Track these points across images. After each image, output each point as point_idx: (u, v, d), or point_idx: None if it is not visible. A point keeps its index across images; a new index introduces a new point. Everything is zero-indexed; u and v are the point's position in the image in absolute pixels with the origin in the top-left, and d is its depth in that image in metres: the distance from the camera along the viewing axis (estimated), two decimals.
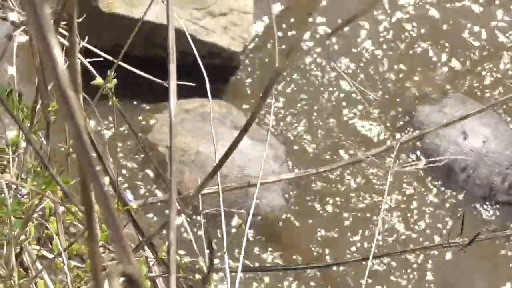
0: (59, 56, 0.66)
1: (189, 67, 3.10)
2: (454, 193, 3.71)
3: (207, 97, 2.13)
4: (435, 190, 3.67)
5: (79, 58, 1.71)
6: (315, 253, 3.51)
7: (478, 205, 3.73)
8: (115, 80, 1.61)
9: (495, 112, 3.85)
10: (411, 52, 4.06)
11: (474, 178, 3.70)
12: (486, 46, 4.14)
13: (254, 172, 3.33)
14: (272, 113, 1.73)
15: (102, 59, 1.77)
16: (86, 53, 1.97)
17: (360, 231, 3.58)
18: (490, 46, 4.14)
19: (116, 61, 1.60)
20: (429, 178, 3.64)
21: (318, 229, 3.55)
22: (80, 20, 1.60)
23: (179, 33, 3.72)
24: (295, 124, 3.73)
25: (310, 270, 3.47)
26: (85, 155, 0.72)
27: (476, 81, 4.03)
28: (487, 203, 3.72)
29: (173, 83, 0.98)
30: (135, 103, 3.61)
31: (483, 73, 4.07)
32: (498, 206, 3.73)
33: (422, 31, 4.11)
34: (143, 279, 0.86)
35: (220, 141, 3.42)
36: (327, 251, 3.51)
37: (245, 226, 1.89)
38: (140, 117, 3.56)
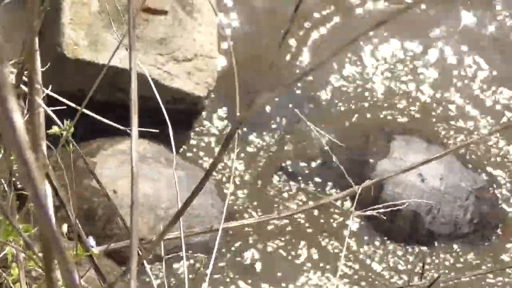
0: (18, 120, 0.66)
1: (151, 112, 3.11)
2: (420, 237, 3.76)
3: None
4: (400, 238, 3.73)
5: (42, 107, 1.72)
6: None
7: (444, 244, 3.77)
8: (72, 129, 1.61)
9: (442, 148, 3.93)
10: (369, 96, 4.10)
11: (439, 217, 3.73)
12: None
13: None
14: (233, 165, 1.73)
15: (65, 107, 1.77)
16: (51, 99, 1.97)
17: (319, 274, 3.59)
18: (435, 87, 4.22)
19: (80, 108, 1.60)
20: (395, 227, 3.70)
21: (278, 268, 3.57)
22: (43, 69, 1.60)
23: (142, 79, 3.73)
24: (259, 168, 3.75)
25: None
26: (44, 215, 0.73)
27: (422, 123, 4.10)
28: (454, 239, 3.77)
29: (134, 131, 0.99)
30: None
31: (432, 114, 4.13)
32: (463, 239, 3.79)
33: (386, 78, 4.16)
34: None
35: (163, 180, 3.44)
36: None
37: (208, 266, 1.90)
38: None
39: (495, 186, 3.97)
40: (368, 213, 2.46)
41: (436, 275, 3.45)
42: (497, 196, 3.94)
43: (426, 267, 3.70)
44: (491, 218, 3.89)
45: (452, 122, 4.10)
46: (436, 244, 3.78)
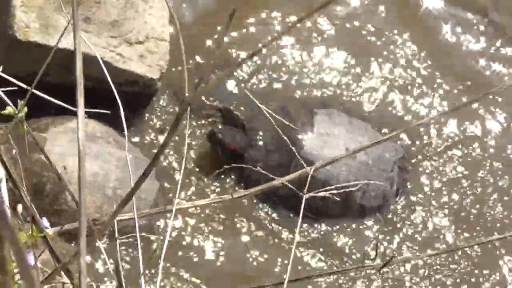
0: None
1: (106, 94, 3.11)
2: (352, 213, 3.80)
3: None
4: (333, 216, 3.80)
5: None
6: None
7: (374, 217, 3.81)
8: (25, 109, 1.62)
9: (362, 121, 3.95)
10: None
11: (369, 191, 3.75)
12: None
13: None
14: (186, 145, 1.76)
15: (16, 87, 1.78)
16: (4, 81, 1.98)
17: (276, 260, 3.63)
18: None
19: (30, 88, 1.62)
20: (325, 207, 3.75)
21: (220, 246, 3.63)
22: None
23: (96, 61, 3.72)
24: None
25: None
26: None
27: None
28: (383, 211, 3.83)
29: (80, 112, 1.02)
30: None
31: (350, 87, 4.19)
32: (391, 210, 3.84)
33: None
34: None
35: (112, 161, 3.45)
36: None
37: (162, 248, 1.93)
38: None
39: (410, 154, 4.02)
40: (321, 194, 2.50)
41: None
42: (413, 163, 3.97)
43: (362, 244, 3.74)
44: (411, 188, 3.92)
45: (368, 94, 4.14)
46: (367, 218, 3.81)
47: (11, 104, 1.60)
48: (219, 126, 3.62)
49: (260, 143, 3.49)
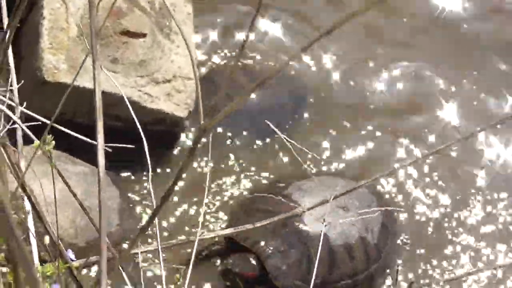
0: None
1: (135, 133, 3.13)
2: None
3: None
4: None
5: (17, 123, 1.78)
6: None
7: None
8: (53, 142, 1.66)
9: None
10: None
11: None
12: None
13: None
14: (209, 171, 1.79)
15: (39, 123, 1.82)
16: (29, 120, 2.02)
17: None
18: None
19: (49, 122, 1.65)
20: None
21: None
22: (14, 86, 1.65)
23: (124, 101, 3.77)
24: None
25: None
26: (10, 228, 0.78)
27: None
28: None
29: (100, 142, 1.05)
30: None
31: None
32: None
33: None
34: None
35: (72, 176, 3.38)
36: None
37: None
38: None
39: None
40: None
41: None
42: None
43: None
44: None
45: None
46: None
47: (34, 137, 1.65)
48: (230, 260, 3.35)
49: (271, 251, 3.36)
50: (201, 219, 1.87)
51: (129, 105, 2.52)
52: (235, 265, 3.29)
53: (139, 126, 2.36)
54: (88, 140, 1.87)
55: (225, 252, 3.45)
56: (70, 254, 1.75)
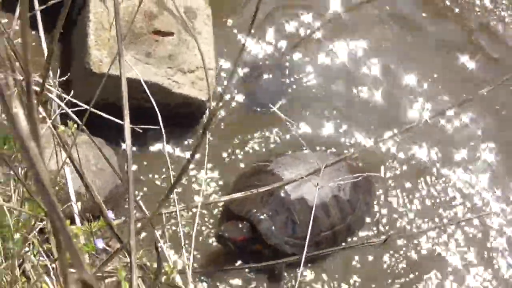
0: (22, 117, 0.69)
1: (170, 114, 3.10)
2: None
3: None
4: None
5: (65, 110, 1.78)
6: None
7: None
8: (75, 125, 1.65)
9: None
10: None
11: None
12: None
13: None
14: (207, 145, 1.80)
15: (81, 108, 1.80)
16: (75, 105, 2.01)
17: None
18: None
19: (89, 108, 1.64)
20: None
21: None
22: (60, 78, 1.63)
23: (157, 87, 3.74)
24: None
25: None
26: (46, 196, 0.76)
27: None
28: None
29: (127, 125, 1.05)
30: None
31: None
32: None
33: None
34: (95, 282, 0.89)
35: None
36: None
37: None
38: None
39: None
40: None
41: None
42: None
43: None
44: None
45: None
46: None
47: (77, 119, 1.64)
48: (222, 228, 3.28)
49: (263, 216, 3.32)
50: (203, 187, 1.87)
51: (148, 92, 2.48)
52: (226, 231, 3.24)
53: (156, 109, 2.32)
54: (118, 120, 1.85)
55: (223, 222, 3.44)
56: (110, 214, 1.74)
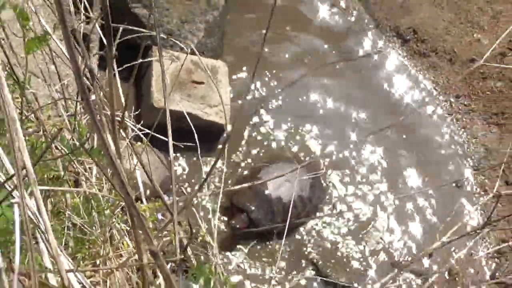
0: (109, 137, 0.68)
1: (201, 133, 3.03)
2: None
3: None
4: None
5: (137, 132, 1.77)
6: None
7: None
8: (142, 145, 1.62)
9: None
10: None
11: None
12: None
13: None
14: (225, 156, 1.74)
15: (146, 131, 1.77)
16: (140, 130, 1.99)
17: None
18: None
19: (150, 132, 1.62)
20: None
21: None
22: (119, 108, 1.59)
23: (194, 116, 3.69)
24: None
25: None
26: (123, 188, 0.74)
27: None
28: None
29: (170, 142, 1.05)
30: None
31: None
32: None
33: None
34: (159, 252, 0.87)
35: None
36: None
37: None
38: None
39: None
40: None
41: None
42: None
43: None
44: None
45: None
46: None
47: (143, 137, 1.61)
48: (232, 221, 3.19)
49: (253, 207, 3.25)
50: (223, 180, 1.85)
51: (188, 119, 2.38)
52: (235, 223, 3.19)
53: (194, 131, 2.26)
54: (163, 138, 1.81)
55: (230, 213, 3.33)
56: (165, 197, 1.72)
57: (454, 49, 4.05)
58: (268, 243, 3.30)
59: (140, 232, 0.92)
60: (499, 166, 3.33)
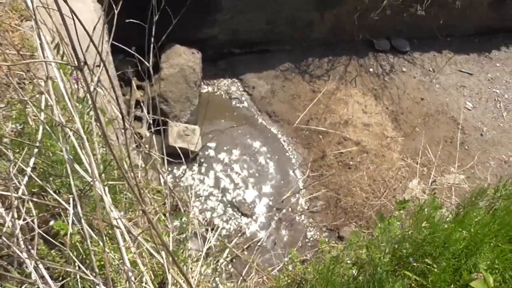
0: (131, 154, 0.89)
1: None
2: None
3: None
4: None
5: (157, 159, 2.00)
6: None
7: None
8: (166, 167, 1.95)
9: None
10: None
11: None
12: None
13: None
14: None
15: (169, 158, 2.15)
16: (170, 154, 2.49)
17: None
18: None
19: (167, 158, 2.02)
20: None
21: None
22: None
23: (182, 149, 4.23)
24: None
25: None
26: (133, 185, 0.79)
27: None
28: None
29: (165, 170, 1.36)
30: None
31: None
32: None
33: None
34: (147, 213, 0.92)
35: None
36: None
37: None
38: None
39: None
40: None
41: None
42: None
43: None
44: None
45: None
46: None
47: (157, 157, 1.96)
48: None
49: None
50: None
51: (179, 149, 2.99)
52: None
53: (182, 156, 2.79)
54: (171, 159, 2.22)
55: None
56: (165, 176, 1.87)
57: None
58: None
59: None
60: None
